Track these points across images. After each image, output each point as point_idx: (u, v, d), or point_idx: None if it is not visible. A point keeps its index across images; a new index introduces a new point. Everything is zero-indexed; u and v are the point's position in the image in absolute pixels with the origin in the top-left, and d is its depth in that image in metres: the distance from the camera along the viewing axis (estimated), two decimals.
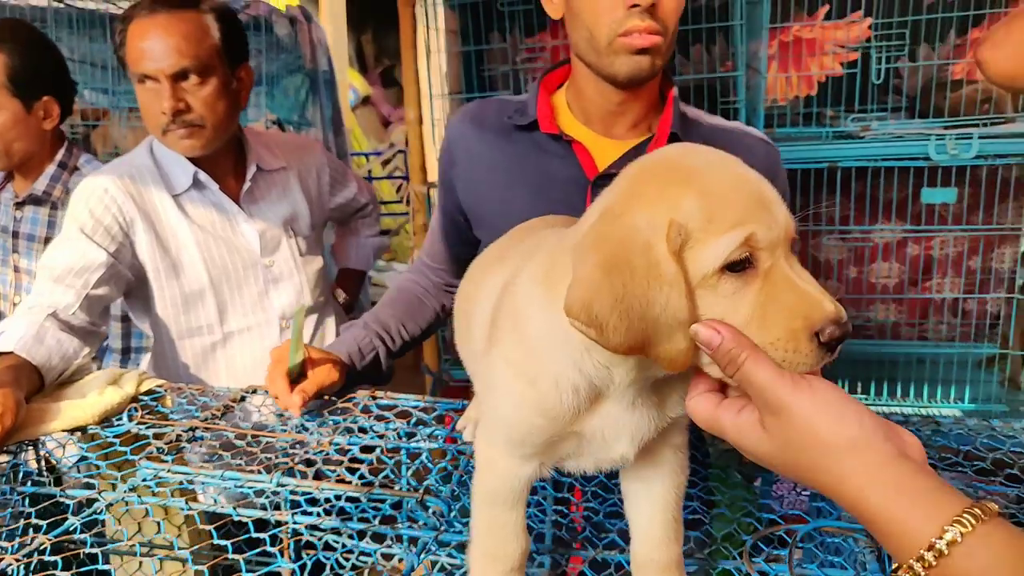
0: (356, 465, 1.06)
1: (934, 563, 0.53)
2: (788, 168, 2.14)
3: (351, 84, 6.01)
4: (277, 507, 0.95)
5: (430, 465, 1.07)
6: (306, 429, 1.18)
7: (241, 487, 0.99)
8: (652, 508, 0.80)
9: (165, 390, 1.31)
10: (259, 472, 1.01)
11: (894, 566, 0.57)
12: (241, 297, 1.69)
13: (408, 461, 1.10)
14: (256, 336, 1.71)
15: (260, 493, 0.98)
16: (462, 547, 0.88)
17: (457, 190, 1.37)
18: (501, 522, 0.78)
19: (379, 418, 1.20)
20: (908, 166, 2.19)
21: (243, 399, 1.30)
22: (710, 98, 2.40)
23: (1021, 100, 2.26)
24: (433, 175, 2.65)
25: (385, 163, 5.86)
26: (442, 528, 0.90)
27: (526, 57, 2.61)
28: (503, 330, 0.74)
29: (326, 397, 1.25)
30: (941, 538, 0.53)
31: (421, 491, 0.97)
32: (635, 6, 1.10)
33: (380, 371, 1.40)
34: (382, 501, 0.96)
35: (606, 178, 1.22)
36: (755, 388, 0.61)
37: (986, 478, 1.05)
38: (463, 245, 1.41)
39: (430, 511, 0.94)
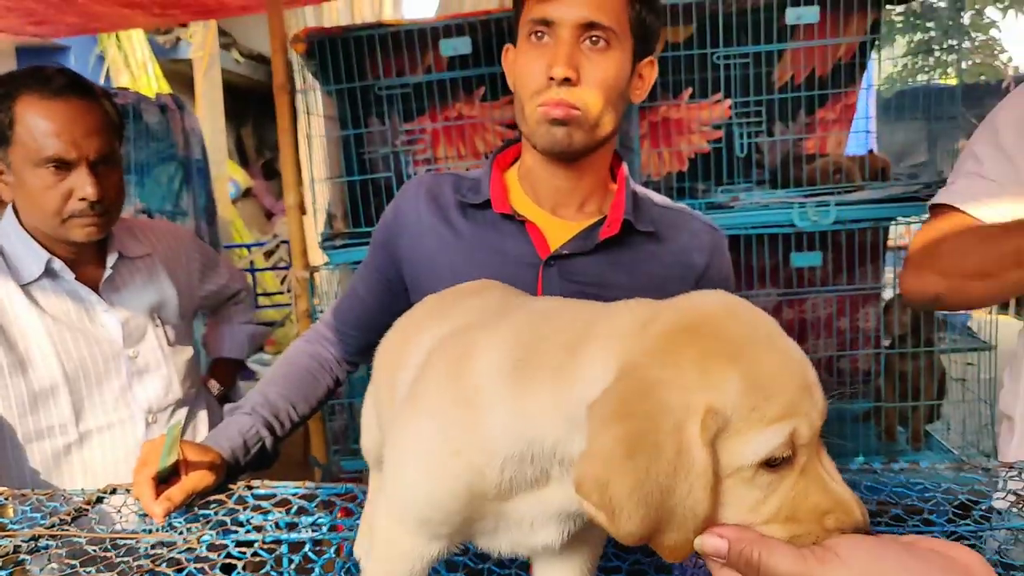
0: (232, 561, 0.96)
1: None
2: None
3: (231, 177, 5.90)
4: None
5: (313, 556, 0.98)
6: (173, 527, 1.06)
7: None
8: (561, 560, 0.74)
9: (6, 498, 1.16)
10: None
11: None
12: (101, 392, 1.55)
13: (289, 554, 1.01)
14: (118, 434, 1.57)
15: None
16: None
17: (403, 261, 1.32)
18: None
19: (256, 508, 1.10)
20: (776, 233, 2.32)
21: (100, 500, 1.16)
22: None
23: (867, 171, 2.45)
24: (315, 258, 2.59)
25: (268, 255, 5.73)
26: None
27: (406, 140, 2.64)
28: (435, 388, 0.67)
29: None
30: None
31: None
32: (552, 78, 1.12)
33: (265, 460, 1.29)
34: None
35: (557, 258, 1.22)
36: None
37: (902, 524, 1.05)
38: (388, 313, 1.35)
39: None
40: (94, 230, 1.50)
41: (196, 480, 1.12)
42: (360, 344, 1.38)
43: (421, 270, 1.29)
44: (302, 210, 2.47)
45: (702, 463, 0.52)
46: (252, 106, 6.50)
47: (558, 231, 1.25)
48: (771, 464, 0.54)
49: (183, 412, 1.68)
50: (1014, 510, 1.03)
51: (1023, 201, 1.31)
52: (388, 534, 0.70)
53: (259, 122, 6.88)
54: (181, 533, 1.03)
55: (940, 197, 1.40)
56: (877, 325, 2.68)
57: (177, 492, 1.08)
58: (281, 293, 5.45)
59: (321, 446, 2.49)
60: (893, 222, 2.40)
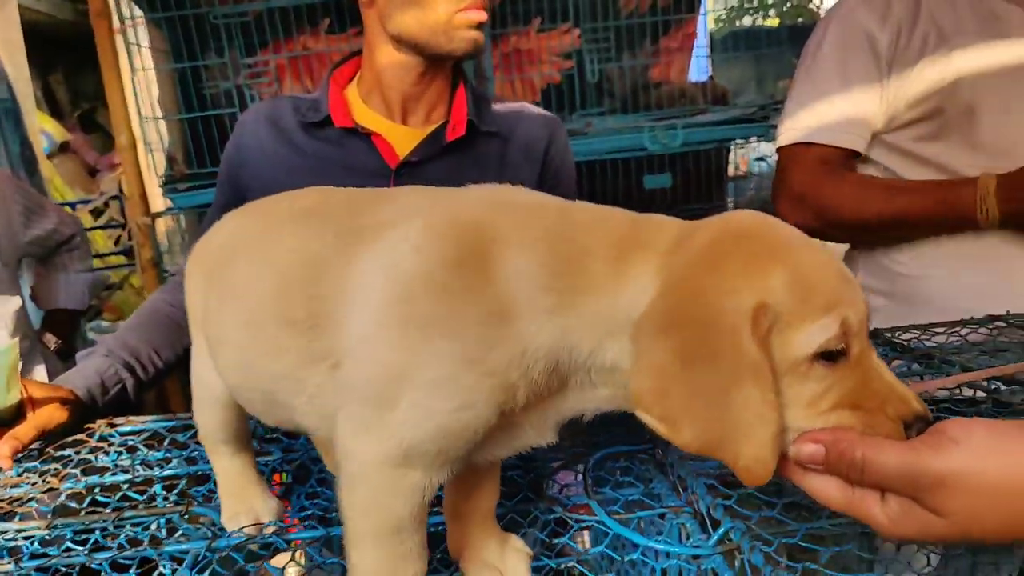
0: (97, 511, 0.88)
1: None
2: None
3: (43, 129, 5.32)
4: None
5: (192, 492, 0.91)
6: (27, 474, 0.96)
7: None
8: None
9: None
10: None
11: None
12: None
13: (165, 492, 0.94)
14: None
15: None
16: (239, 548, 0.76)
17: (249, 192, 1.25)
18: (406, 548, 0.63)
19: (124, 447, 1.02)
20: (629, 157, 2.40)
21: None
22: None
23: (709, 93, 2.58)
24: (156, 204, 2.40)
25: (98, 213, 5.25)
26: (215, 536, 0.77)
27: (250, 74, 2.48)
28: (447, 305, 0.58)
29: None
30: None
31: (185, 505, 0.83)
32: None
33: (128, 407, 1.20)
34: (138, 526, 0.81)
35: (407, 166, 1.22)
36: (893, 476, 0.52)
37: None
38: None
39: (199, 522, 0.81)
40: None
41: (46, 416, 1.01)
42: None
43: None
44: (136, 149, 2.28)
45: (757, 362, 0.51)
46: (60, 50, 5.87)
47: (405, 139, 1.26)
48: (826, 356, 0.54)
49: None
50: None
51: (854, 107, 1.43)
52: (388, 475, 0.61)
53: (70, 69, 6.22)
54: (34, 483, 0.93)
55: (791, 135, 1.49)
56: None
57: (25, 429, 0.98)
58: (116, 254, 5.02)
59: (180, 402, 2.35)
60: (734, 143, 2.55)
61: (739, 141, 2.66)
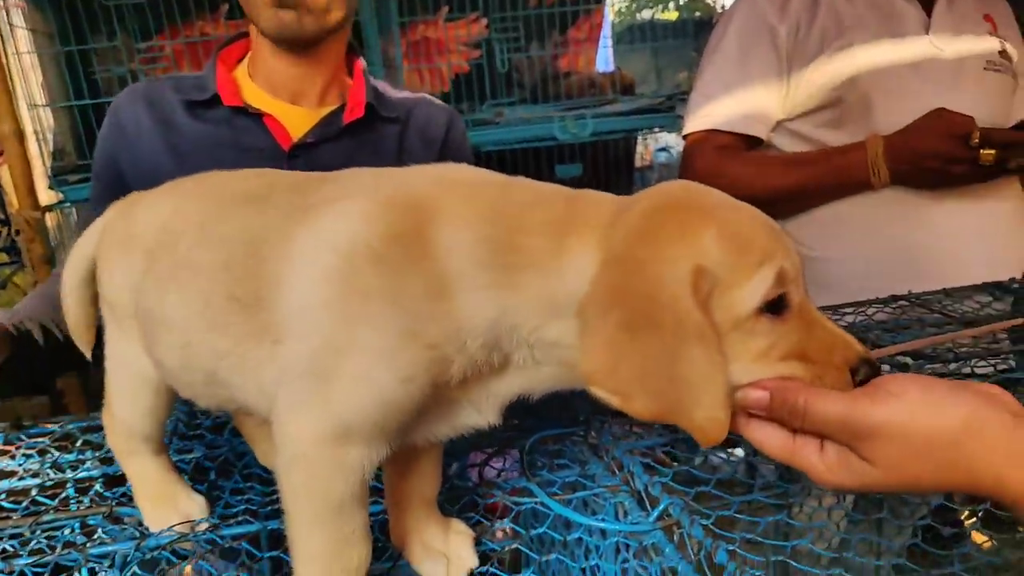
0: (8, 516, 0.83)
1: None
2: None
3: None
4: None
5: (108, 494, 0.87)
6: None
7: None
8: (422, 447, 0.71)
9: None
10: None
11: None
12: None
13: (78, 495, 0.89)
14: None
15: None
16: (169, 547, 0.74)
17: (128, 178, 1.20)
18: (349, 530, 0.62)
19: (34, 450, 0.96)
20: (539, 147, 2.43)
21: None
22: None
23: (618, 84, 2.64)
24: (44, 198, 2.26)
25: None
26: (143, 536, 0.74)
27: (147, 57, 2.36)
28: (386, 279, 0.57)
29: None
30: None
31: (110, 504, 0.79)
32: None
33: (42, 364, 1.12)
34: (57, 529, 0.76)
35: (302, 148, 1.19)
36: (833, 424, 0.55)
37: None
38: None
39: (123, 523, 0.77)
40: None
41: None
42: None
43: (151, 182, 1.18)
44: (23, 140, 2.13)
45: (700, 325, 0.53)
46: None
47: (298, 121, 1.23)
48: (769, 308, 0.55)
49: None
50: None
51: (755, 97, 1.50)
52: (327, 452, 0.59)
53: None
54: None
55: (697, 124, 1.55)
56: None
57: None
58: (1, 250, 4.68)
59: (81, 403, 2.22)
60: (641, 133, 2.62)
61: (644, 132, 2.73)
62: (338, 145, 1.21)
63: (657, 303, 0.53)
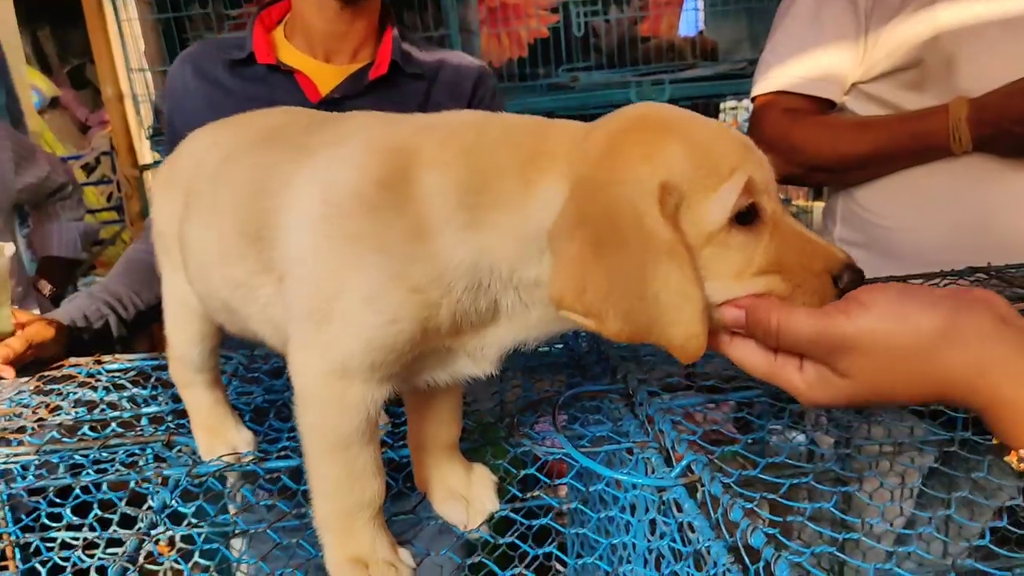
0: (83, 438, 0.91)
1: None
2: None
3: (33, 84, 5.27)
4: None
5: (172, 427, 0.95)
6: (18, 408, 1.00)
7: None
8: (440, 390, 0.74)
9: None
10: None
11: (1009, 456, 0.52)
12: None
13: (153, 427, 0.97)
14: None
15: None
16: (221, 479, 0.80)
17: (182, 134, 1.28)
18: (359, 465, 0.65)
19: (112, 384, 1.05)
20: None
21: None
22: None
23: (698, 48, 2.57)
24: (144, 156, 2.41)
25: (89, 169, 5.23)
26: (195, 464, 0.81)
27: (237, 24, 2.46)
28: (372, 223, 0.60)
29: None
30: None
31: (167, 434, 0.86)
32: None
33: (112, 342, 1.24)
34: (127, 454, 0.84)
35: (329, 103, 1.24)
36: (807, 341, 0.54)
37: None
38: None
39: (176, 451, 0.84)
40: None
41: (34, 330, 1.07)
42: None
43: None
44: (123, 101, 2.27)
45: (669, 240, 0.52)
46: (48, 5, 5.78)
47: (328, 77, 1.29)
48: (742, 221, 0.55)
49: None
50: None
51: (829, 58, 1.44)
52: (332, 391, 0.63)
53: (58, 25, 6.14)
54: (25, 416, 0.97)
55: (766, 86, 1.50)
56: None
57: (15, 340, 1.04)
58: (108, 209, 5.01)
59: None
60: (722, 99, 2.55)
61: (730, 100, 2.65)
62: (363, 100, 1.26)
63: (622, 221, 0.52)
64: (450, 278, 0.59)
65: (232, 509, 0.88)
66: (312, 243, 0.61)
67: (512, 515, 0.78)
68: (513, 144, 0.60)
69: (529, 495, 0.81)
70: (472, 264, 0.59)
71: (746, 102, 2.96)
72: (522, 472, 0.84)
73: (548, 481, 0.82)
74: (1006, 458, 0.51)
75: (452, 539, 0.77)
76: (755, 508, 0.68)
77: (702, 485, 0.74)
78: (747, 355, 0.59)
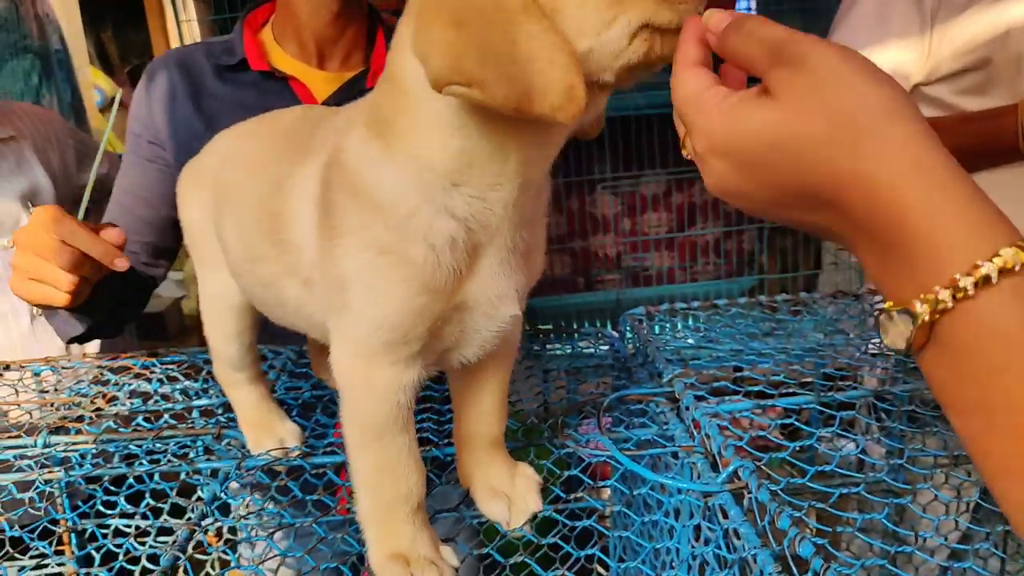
0: (139, 431, 0.94)
1: (955, 299, 0.39)
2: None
3: (95, 84, 5.44)
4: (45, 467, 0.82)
5: (223, 420, 0.97)
6: (77, 397, 1.03)
7: None
8: (484, 384, 0.75)
9: None
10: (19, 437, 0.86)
11: (887, 304, 0.43)
12: None
13: (204, 420, 1.00)
14: (0, 328, 1.49)
15: (21, 458, 0.84)
16: (271, 473, 0.81)
17: (166, 141, 1.26)
18: (394, 454, 0.66)
19: (166, 376, 1.08)
20: (666, 114, 2.36)
21: None
22: None
23: None
24: None
25: None
26: (243, 457, 0.83)
27: None
28: (345, 214, 0.62)
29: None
30: (992, 260, 0.38)
31: (217, 427, 0.88)
32: None
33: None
34: (176, 446, 0.86)
35: None
36: (771, 42, 0.46)
37: None
38: (174, 209, 1.32)
39: (226, 443, 0.86)
40: None
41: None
42: (153, 247, 1.30)
43: (186, 147, 1.21)
44: None
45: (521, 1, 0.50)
46: (111, 7, 5.96)
47: (323, 84, 1.25)
48: None
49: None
50: None
51: (892, 58, 1.40)
52: (359, 377, 0.65)
53: (120, 26, 6.33)
54: (80, 403, 1.00)
55: None
56: None
57: (113, 233, 0.99)
58: None
59: None
60: None
61: None
62: None
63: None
64: (415, 224, 0.59)
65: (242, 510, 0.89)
66: (317, 244, 0.64)
67: (555, 515, 0.78)
68: (382, 90, 0.62)
69: (572, 496, 0.81)
70: (413, 190, 0.58)
71: None
72: (566, 473, 0.84)
73: (591, 483, 0.82)
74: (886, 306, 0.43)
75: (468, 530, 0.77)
76: (803, 517, 0.67)
77: (749, 492, 0.73)
78: (688, 77, 0.51)
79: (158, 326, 3.61)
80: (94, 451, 0.85)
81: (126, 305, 1.27)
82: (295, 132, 0.75)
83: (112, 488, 0.81)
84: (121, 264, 0.96)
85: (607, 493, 1.03)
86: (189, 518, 0.74)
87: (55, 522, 0.87)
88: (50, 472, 0.80)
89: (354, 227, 0.61)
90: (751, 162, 0.47)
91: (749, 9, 2.95)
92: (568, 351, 1.21)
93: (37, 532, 0.77)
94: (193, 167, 0.88)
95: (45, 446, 0.84)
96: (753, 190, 0.49)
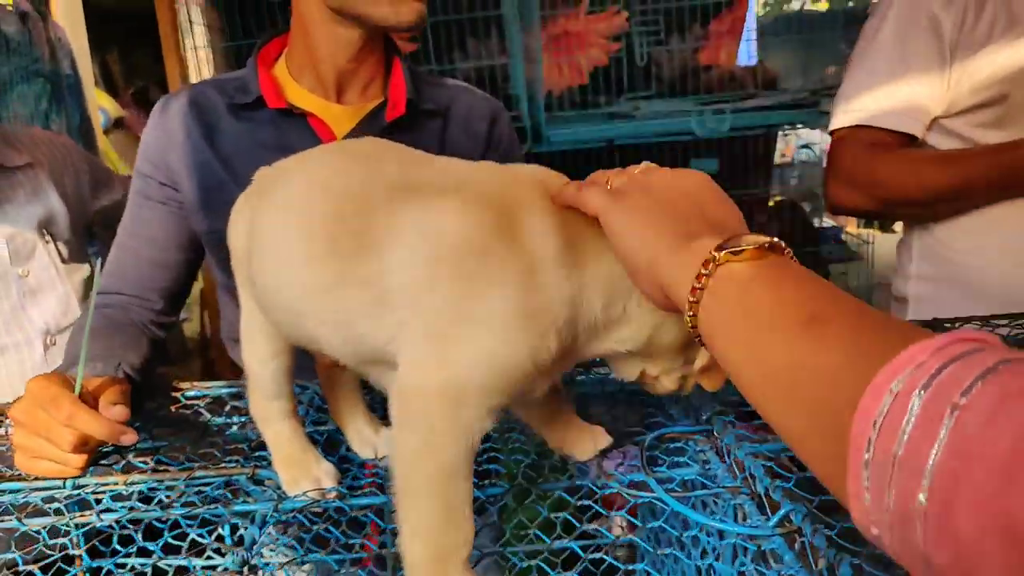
0: (166, 468, 0.91)
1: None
2: (569, 149, 2.25)
3: (100, 106, 5.44)
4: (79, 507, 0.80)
5: (253, 458, 0.94)
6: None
7: (24, 496, 0.82)
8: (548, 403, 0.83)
9: None
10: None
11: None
12: None
13: (226, 456, 0.97)
14: (13, 358, 1.46)
15: (49, 500, 0.82)
16: (313, 516, 0.79)
17: (180, 182, 1.22)
18: (460, 499, 0.64)
19: (189, 411, 1.06)
20: (675, 141, 2.39)
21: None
22: (491, 86, 2.46)
23: (760, 78, 2.55)
24: None
25: None
26: (280, 499, 0.80)
27: None
28: (487, 260, 0.64)
29: None
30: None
31: (251, 466, 0.86)
32: None
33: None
34: (207, 485, 0.84)
35: None
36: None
37: None
38: (187, 251, 1.27)
39: (263, 484, 0.84)
40: None
41: (112, 385, 0.98)
42: (170, 294, 1.27)
43: (203, 191, 1.21)
44: None
45: None
46: (116, 29, 5.98)
47: (343, 119, 1.23)
48: None
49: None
50: None
51: (913, 91, 1.41)
52: (443, 410, 0.62)
53: (125, 47, 6.34)
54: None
55: (846, 119, 1.46)
56: (764, 223, 2.84)
57: (120, 410, 0.92)
58: None
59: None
60: (782, 129, 2.52)
61: (786, 128, 2.62)
62: None
63: None
64: (557, 310, 0.64)
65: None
66: (427, 277, 0.64)
67: (577, 551, 0.77)
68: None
69: (593, 527, 0.79)
70: (573, 297, 0.66)
71: (801, 128, 2.93)
72: (589, 513, 0.82)
73: (605, 512, 0.81)
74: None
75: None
76: (863, 564, 0.65)
77: (801, 536, 0.71)
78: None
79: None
80: (123, 492, 0.83)
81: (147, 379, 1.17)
82: (377, 162, 0.74)
83: (127, 524, 0.77)
84: (128, 440, 0.90)
85: (619, 522, 1.01)
86: (226, 567, 0.72)
87: (70, 560, 0.84)
88: (82, 516, 0.78)
89: (495, 282, 0.64)
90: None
91: (750, 42, 2.98)
92: (599, 377, 1.19)
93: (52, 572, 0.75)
94: (242, 200, 0.85)
95: (75, 487, 0.82)
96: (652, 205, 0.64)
